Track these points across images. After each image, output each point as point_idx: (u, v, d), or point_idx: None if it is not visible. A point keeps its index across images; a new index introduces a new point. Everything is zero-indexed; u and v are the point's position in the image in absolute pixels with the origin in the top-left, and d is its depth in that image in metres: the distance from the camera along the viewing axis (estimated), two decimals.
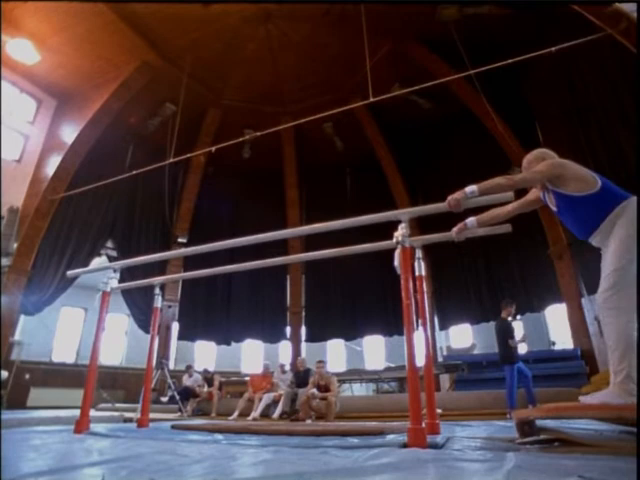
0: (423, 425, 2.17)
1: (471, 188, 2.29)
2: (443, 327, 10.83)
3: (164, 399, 8.34)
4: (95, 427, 3.29)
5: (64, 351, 11.21)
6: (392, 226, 2.56)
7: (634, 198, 2.08)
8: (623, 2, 4.70)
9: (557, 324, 9.17)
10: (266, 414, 6.72)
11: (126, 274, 6.79)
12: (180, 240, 10.80)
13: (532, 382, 5.53)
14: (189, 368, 8.35)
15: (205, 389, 7.82)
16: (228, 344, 11.56)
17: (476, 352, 9.68)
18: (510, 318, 5.80)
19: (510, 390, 5.43)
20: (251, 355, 12.68)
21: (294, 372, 7.55)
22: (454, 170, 10.19)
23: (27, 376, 8.66)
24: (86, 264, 8.80)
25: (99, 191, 9.17)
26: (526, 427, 2.09)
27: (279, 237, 3.66)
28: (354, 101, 8.30)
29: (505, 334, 5.65)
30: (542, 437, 2.05)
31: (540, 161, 2.33)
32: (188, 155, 8.98)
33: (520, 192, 2.49)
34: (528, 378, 5.52)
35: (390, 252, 2.82)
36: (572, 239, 7.74)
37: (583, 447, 1.87)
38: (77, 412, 3.25)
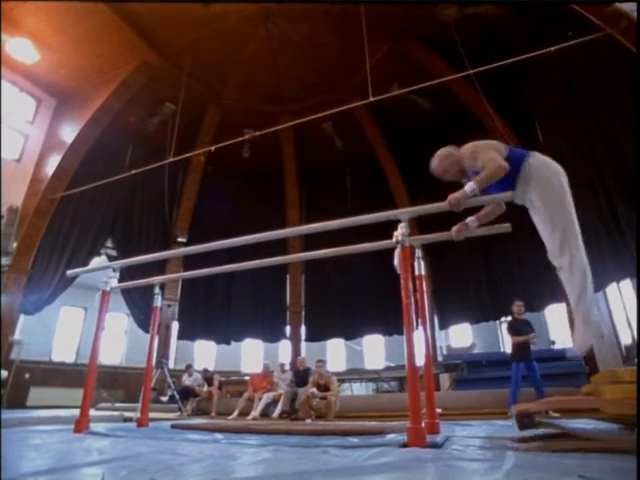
0: (423, 425, 2.17)
1: (471, 186, 2.31)
2: (443, 326, 10.83)
3: (164, 398, 8.35)
4: (95, 427, 3.29)
5: (64, 350, 11.21)
6: (392, 225, 2.56)
7: (533, 153, 2.39)
8: (623, 2, 4.70)
9: (557, 323, 9.18)
10: (266, 413, 6.73)
11: (126, 273, 6.79)
12: (180, 239, 10.80)
13: (540, 380, 5.52)
14: (189, 367, 8.36)
15: (205, 388, 7.83)
16: (228, 343, 11.56)
17: (476, 351, 9.68)
18: (523, 315, 5.88)
19: (511, 388, 5.49)
20: (251, 354, 12.69)
21: (294, 371, 7.55)
22: None
23: (27, 375, 8.66)
24: (86, 263, 8.80)
25: (99, 190, 9.17)
26: (525, 420, 2.10)
27: (279, 237, 3.67)
28: (354, 101, 8.30)
29: (509, 332, 5.79)
30: (541, 430, 2.06)
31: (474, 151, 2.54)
32: (188, 154, 8.99)
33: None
34: (532, 377, 5.53)
35: (390, 251, 2.83)
36: None
37: (582, 441, 1.88)
38: (77, 411, 3.25)
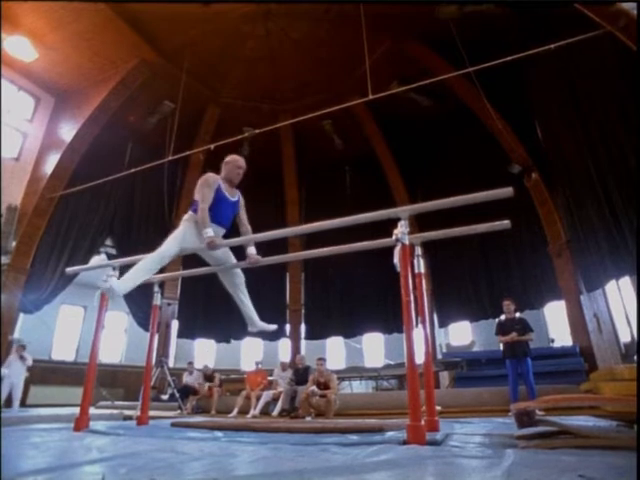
0: (422, 422, 2.17)
1: (207, 232, 2.97)
2: (442, 324, 10.84)
3: (164, 397, 8.36)
4: (95, 425, 3.29)
5: (63, 349, 11.21)
6: (391, 224, 2.56)
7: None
8: (623, 2, 4.69)
9: (556, 321, 9.19)
10: (266, 411, 6.74)
11: (125, 272, 6.77)
12: None
13: (529, 379, 5.53)
14: (190, 365, 8.39)
15: (205, 386, 7.84)
16: (228, 342, 11.56)
17: (475, 349, 9.70)
18: (516, 314, 5.95)
19: (509, 385, 5.53)
20: (251, 353, 12.70)
21: (293, 369, 7.57)
22: (453, 167, 10.19)
23: (27, 374, 8.64)
24: (85, 262, 8.75)
25: (98, 189, 9.15)
26: (525, 418, 2.10)
27: (279, 236, 3.67)
28: (353, 99, 8.28)
29: (495, 333, 5.91)
30: (540, 428, 2.06)
31: None
32: (187, 153, 8.96)
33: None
34: (524, 375, 5.55)
35: (389, 250, 2.82)
36: (571, 236, 7.74)
37: (581, 439, 1.88)
38: (77, 410, 3.25)
